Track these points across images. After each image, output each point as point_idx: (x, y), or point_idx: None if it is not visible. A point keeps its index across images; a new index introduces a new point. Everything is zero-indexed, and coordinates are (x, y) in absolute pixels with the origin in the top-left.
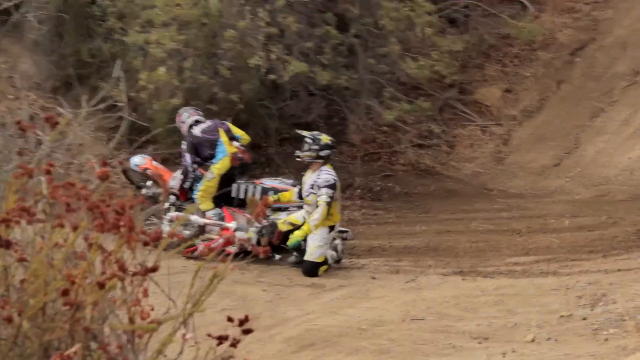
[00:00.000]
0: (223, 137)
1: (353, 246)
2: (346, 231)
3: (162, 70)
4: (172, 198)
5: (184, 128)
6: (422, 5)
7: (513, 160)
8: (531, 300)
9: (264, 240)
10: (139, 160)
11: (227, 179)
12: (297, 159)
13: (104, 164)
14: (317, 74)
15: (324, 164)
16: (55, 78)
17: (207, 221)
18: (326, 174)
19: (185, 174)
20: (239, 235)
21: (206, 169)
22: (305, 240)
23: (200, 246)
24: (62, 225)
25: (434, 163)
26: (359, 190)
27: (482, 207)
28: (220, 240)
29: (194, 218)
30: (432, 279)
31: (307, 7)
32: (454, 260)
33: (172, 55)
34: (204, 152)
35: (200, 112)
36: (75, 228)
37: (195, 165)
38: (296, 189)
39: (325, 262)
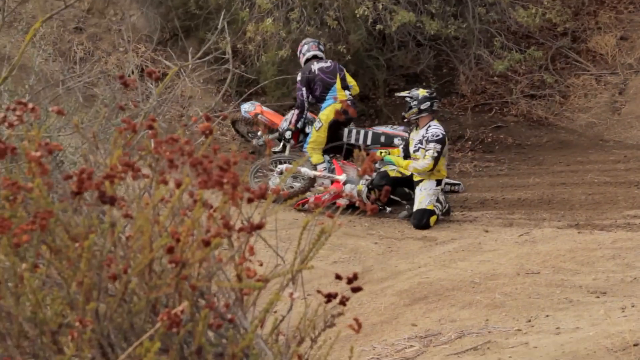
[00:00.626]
0: (337, 84)
1: (465, 199)
2: (458, 184)
3: (269, 21)
4: (280, 144)
5: (302, 59)
6: None
7: (629, 110)
8: None
9: (372, 197)
10: (248, 107)
11: (335, 130)
12: (404, 120)
13: (208, 118)
14: (425, 24)
15: (432, 119)
16: (163, 30)
17: (317, 173)
18: (435, 128)
19: (300, 108)
20: (349, 188)
21: (315, 111)
22: (413, 191)
23: (311, 199)
24: (165, 182)
25: (547, 114)
26: (470, 142)
27: (598, 158)
28: (331, 193)
29: (304, 170)
30: (546, 232)
31: None
32: (569, 213)
33: (278, 6)
34: (315, 90)
35: (322, 48)
36: (178, 185)
37: (311, 100)
38: (401, 147)
39: (434, 212)
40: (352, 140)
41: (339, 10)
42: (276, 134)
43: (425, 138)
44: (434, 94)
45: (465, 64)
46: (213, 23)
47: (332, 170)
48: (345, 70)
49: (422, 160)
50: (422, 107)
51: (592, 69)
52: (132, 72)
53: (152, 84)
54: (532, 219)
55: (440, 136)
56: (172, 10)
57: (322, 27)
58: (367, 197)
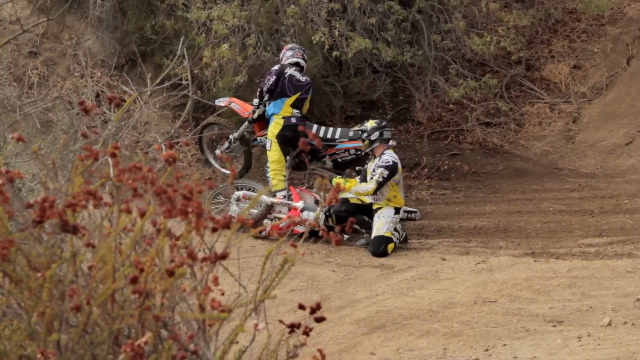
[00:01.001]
0: (290, 100)
1: (422, 226)
2: (414, 211)
3: (225, 47)
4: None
5: (282, 60)
6: None
7: (583, 138)
8: (605, 283)
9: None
10: (222, 99)
11: (299, 164)
12: (359, 154)
13: (171, 146)
14: (381, 51)
15: (386, 148)
16: (119, 55)
17: (275, 200)
18: (387, 156)
19: (259, 95)
20: (306, 215)
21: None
22: (371, 219)
23: (268, 226)
24: (129, 211)
25: (502, 141)
26: (426, 170)
27: (553, 186)
28: (288, 221)
29: (261, 197)
30: (503, 260)
31: None
32: (525, 241)
33: (234, 32)
34: (278, 88)
35: (305, 59)
36: (142, 214)
37: (269, 89)
38: (358, 178)
39: (392, 239)
40: (322, 135)
41: (295, 37)
42: (245, 124)
43: (377, 165)
44: (383, 123)
45: (421, 91)
46: (169, 48)
47: (289, 197)
48: (309, 98)
49: (366, 184)
50: (372, 137)
51: (546, 97)
52: (88, 99)
53: (109, 110)
54: (488, 247)
55: (390, 163)
56: (128, 35)
57: (278, 53)
58: (325, 224)
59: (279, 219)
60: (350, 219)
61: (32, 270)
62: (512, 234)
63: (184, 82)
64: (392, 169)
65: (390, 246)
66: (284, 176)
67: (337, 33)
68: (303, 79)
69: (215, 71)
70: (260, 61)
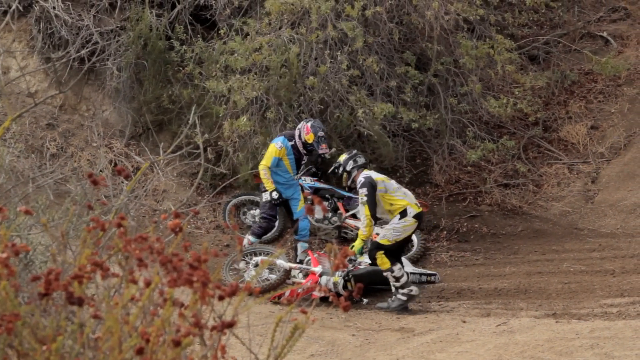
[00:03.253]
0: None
1: (441, 289)
2: (434, 274)
3: (243, 119)
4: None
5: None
6: (501, 42)
7: (602, 198)
8: (629, 343)
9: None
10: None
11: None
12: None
13: (177, 215)
14: (402, 114)
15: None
16: (136, 125)
17: (293, 265)
18: (359, 178)
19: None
20: (325, 280)
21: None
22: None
23: (287, 292)
24: (134, 281)
25: (521, 203)
26: (445, 232)
27: (573, 247)
28: (307, 286)
29: (279, 262)
30: (524, 321)
31: (385, 47)
32: (546, 302)
33: (253, 102)
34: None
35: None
36: (148, 284)
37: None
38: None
39: (382, 246)
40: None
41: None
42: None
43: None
44: (354, 152)
45: (438, 154)
46: (186, 117)
47: (307, 262)
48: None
49: (361, 223)
50: (348, 167)
51: (564, 157)
52: (104, 169)
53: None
54: (509, 309)
55: (362, 180)
56: (145, 105)
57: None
58: (344, 288)
59: (299, 283)
60: (358, 285)
61: (38, 343)
62: (533, 295)
63: (199, 150)
64: (368, 184)
65: (379, 254)
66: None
67: (360, 112)
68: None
69: (234, 142)
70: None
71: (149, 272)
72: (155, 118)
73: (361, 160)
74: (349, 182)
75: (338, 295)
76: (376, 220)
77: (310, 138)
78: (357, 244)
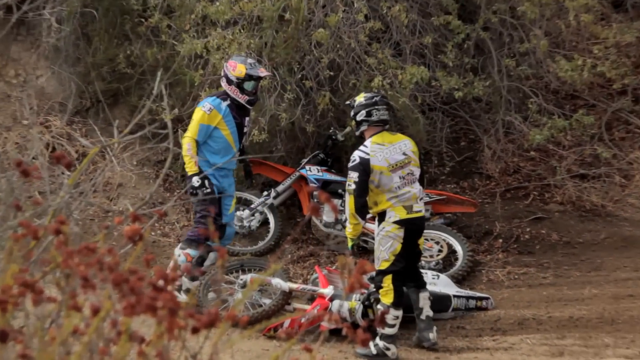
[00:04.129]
0: None
1: (496, 318)
2: (485, 298)
3: None
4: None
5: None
6: None
7: None
8: None
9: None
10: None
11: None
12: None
13: (136, 218)
14: (441, 81)
15: (376, 132)
16: (82, 96)
17: (294, 286)
18: (356, 153)
19: None
20: (337, 306)
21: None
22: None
23: (286, 322)
24: (78, 308)
25: (604, 200)
26: (500, 240)
27: None
28: (313, 313)
29: (275, 282)
30: None
31: None
32: None
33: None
34: None
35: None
36: (96, 311)
37: None
38: None
39: (387, 271)
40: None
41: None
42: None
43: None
44: (376, 99)
45: (490, 135)
46: (149, 86)
47: (314, 282)
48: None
49: (347, 204)
50: (358, 117)
51: None
52: (38, 155)
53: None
54: (590, 346)
55: (357, 160)
56: (94, 70)
57: (300, 93)
58: (364, 317)
59: (302, 310)
60: (382, 311)
61: None
62: (623, 326)
63: (168, 130)
64: (359, 169)
65: (387, 280)
66: None
67: (376, 64)
68: None
69: None
70: (277, 111)
71: (97, 295)
72: (108, 87)
73: (379, 114)
74: (357, 134)
75: (355, 326)
76: (363, 216)
77: (241, 70)
78: (349, 242)
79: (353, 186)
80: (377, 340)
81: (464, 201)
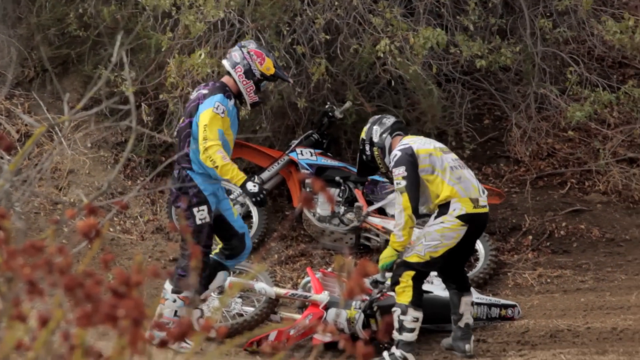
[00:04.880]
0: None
1: (525, 329)
2: (512, 305)
3: (200, 54)
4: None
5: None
6: None
7: None
8: None
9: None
10: None
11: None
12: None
13: (92, 211)
14: (462, 45)
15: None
16: (24, 64)
17: (281, 291)
18: (395, 151)
19: None
20: (332, 315)
21: None
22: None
23: (272, 334)
24: (22, 317)
25: None
26: (530, 237)
27: None
28: (304, 324)
29: (259, 287)
30: None
31: None
32: None
33: (215, 28)
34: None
35: (237, 57)
36: (44, 322)
37: None
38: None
39: (412, 266)
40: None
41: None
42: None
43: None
44: (378, 116)
45: (520, 111)
46: (106, 52)
47: (306, 286)
48: (201, 118)
49: (396, 217)
50: (375, 138)
51: None
52: None
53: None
54: None
55: (398, 155)
56: (39, 32)
57: (290, 61)
58: (365, 327)
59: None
60: (386, 321)
61: None
62: None
63: (130, 106)
64: (406, 159)
65: (407, 275)
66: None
67: (383, 26)
68: (194, 93)
69: (184, 93)
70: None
71: (46, 303)
72: (56, 53)
73: (390, 120)
74: (389, 164)
75: (354, 338)
76: (418, 217)
77: (269, 67)
78: (386, 256)
79: (403, 183)
80: (394, 349)
81: (487, 190)
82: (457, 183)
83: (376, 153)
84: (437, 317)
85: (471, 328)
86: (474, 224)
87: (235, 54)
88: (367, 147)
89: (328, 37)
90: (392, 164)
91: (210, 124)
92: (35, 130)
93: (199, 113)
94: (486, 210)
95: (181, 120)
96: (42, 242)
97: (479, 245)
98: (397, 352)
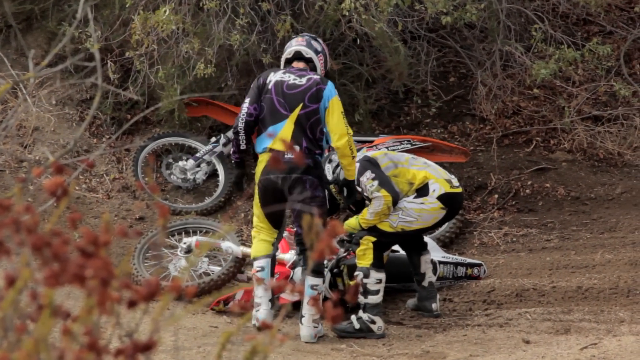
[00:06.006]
0: (290, 120)
1: (491, 288)
2: (477, 264)
3: (165, 10)
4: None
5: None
6: None
7: None
8: None
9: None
10: None
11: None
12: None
13: (59, 169)
14: (426, 1)
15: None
16: None
17: (249, 251)
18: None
19: (234, 129)
20: (300, 275)
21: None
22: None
23: (239, 293)
24: None
25: (621, 147)
26: (496, 196)
27: None
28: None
29: (226, 246)
30: (626, 342)
31: None
32: None
33: None
34: (259, 115)
35: (317, 47)
36: (11, 281)
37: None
38: None
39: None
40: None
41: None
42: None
43: (362, 185)
44: (325, 156)
45: (486, 69)
46: (70, 8)
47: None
48: (333, 105)
49: (374, 203)
50: (330, 178)
51: None
52: None
53: None
54: (601, 322)
55: (358, 165)
56: None
57: (255, 17)
58: (333, 287)
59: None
60: (354, 283)
61: None
62: None
63: (93, 63)
64: (366, 165)
65: (367, 240)
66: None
67: None
68: (303, 80)
69: (150, 50)
70: (229, 39)
71: (13, 262)
72: (19, 8)
73: (335, 154)
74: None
75: (323, 299)
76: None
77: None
78: (351, 226)
79: (376, 183)
80: (361, 312)
81: (452, 149)
82: (426, 167)
83: (334, 190)
84: (401, 276)
85: (435, 287)
86: (452, 205)
87: (316, 43)
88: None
89: None
90: (357, 175)
91: (340, 112)
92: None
93: (329, 99)
94: (460, 190)
95: (300, 107)
96: (8, 201)
97: None
98: (365, 315)
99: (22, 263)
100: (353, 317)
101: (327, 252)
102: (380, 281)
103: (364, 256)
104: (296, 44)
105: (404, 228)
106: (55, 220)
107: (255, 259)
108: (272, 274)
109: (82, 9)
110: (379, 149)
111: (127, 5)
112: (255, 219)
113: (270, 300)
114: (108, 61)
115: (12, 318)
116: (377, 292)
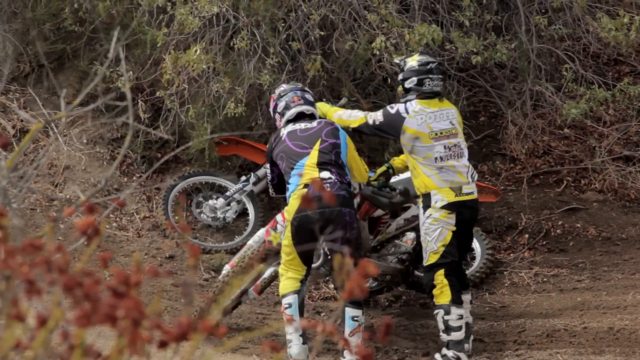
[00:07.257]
0: (311, 156)
1: (522, 328)
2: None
3: (196, 50)
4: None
5: (278, 121)
6: None
7: None
8: None
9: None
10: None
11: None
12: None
13: (90, 209)
14: (457, 42)
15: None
16: (19, 59)
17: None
18: (399, 104)
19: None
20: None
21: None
22: None
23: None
24: (20, 317)
25: None
26: (526, 235)
27: None
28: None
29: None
30: None
31: None
32: None
33: (211, 24)
34: (280, 167)
35: (310, 97)
36: (42, 322)
37: (272, 181)
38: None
39: (440, 265)
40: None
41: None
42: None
43: None
44: (431, 65)
45: (516, 108)
46: (102, 48)
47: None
48: (344, 137)
49: (354, 112)
50: (407, 84)
51: None
52: None
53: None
54: None
55: (393, 111)
56: (34, 27)
57: (285, 57)
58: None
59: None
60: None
61: None
62: None
63: (127, 102)
64: (390, 118)
65: (439, 275)
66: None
67: (378, 22)
68: (313, 123)
69: (180, 89)
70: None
71: (44, 302)
72: (51, 48)
73: (431, 85)
74: (401, 100)
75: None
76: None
77: None
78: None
79: (379, 117)
80: (445, 350)
81: (483, 188)
82: (435, 174)
83: (399, 88)
84: None
85: (470, 327)
86: (461, 211)
87: (307, 94)
88: (399, 77)
89: (323, 33)
90: (388, 108)
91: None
92: (31, 126)
93: (345, 137)
94: (472, 197)
95: (319, 142)
96: (40, 241)
97: (475, 244)
98: (449, 352)
99: (53, 303)
100: (437, 356)
101: (357, 292)
102: (461, 317)
103: (442, 294)
104: (294, 106)
105: (443, 243)
106: (86, 260)
107: (283, 296)
108: (302, 312)
109: (113, 48)
110: (422, 128)
111: (158, 45)
112: (284, 255)
113: (301, 336)
114: (139, 100)
115: (44, 358)
116: (459, 328)
